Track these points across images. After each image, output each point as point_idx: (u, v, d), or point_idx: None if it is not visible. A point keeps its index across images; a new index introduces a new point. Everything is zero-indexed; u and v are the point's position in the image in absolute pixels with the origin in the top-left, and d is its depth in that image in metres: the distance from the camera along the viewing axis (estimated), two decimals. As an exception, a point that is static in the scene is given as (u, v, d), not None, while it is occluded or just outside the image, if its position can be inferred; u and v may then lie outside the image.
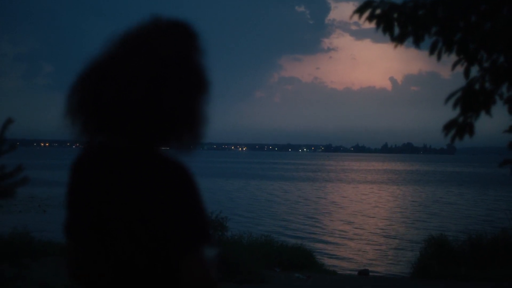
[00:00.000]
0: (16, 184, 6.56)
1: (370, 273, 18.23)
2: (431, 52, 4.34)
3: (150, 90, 1.79)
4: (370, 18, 4.42)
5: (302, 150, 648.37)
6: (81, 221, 1.89)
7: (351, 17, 4.48)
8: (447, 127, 4.42)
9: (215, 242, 1.91)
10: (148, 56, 1.83)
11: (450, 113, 4.48)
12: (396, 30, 4.43)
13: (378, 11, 4.41)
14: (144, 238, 1.77)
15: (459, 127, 4.41)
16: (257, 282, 12.82)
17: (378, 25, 4.42)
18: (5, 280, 6.21)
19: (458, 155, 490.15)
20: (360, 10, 4.44)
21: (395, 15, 4.38)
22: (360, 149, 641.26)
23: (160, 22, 1.94)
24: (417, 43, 4.38)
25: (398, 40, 4.43)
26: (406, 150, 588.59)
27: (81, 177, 1.92)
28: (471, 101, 4.33)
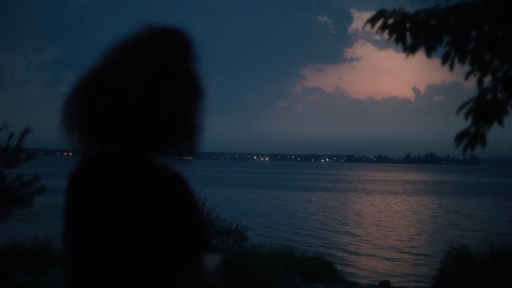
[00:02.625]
0: (33, 193, 6.65)
1: (391, 284, 18.11)
2: (444, 62, 4.30)
3: (144, 99, 1.78)
4: (382, 28, 4.40)
5: (325, 160, 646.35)
6: (78, 230, 1.90)
7: (363, 26, 4.47)
8: (459, 137, 4.38)
9: (214, 251, 1.92)
10: (141, 65, 1.82)
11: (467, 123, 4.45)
12: (409, 40, 4.41)
13: (390, 21, 4.39)
14: (140, 247, 1.77)
15: (471, 138, 4.36)
16: (277, 292, 12.78)
17: (390, 35, 4.40)
18: (22, 287, 6.27)
19: (482, 166, 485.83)
20: (372, 20, 4.42)
21: (408, 25, 4.36)
22: (383, 159, 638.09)
23: (153, 30, 1.93)
24: (429, 53, 4.36)
25: (410, 50, 4.40)
26: (429, 160, 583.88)
27: (78, 186, 1.91)
28: (483, 111, 4.29)
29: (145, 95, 1.79)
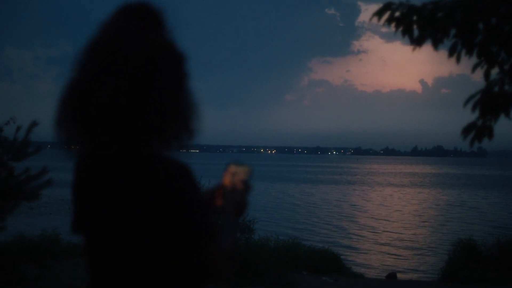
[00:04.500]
0: (41, 186, 6.65)
1: (398, 277, 18.11)
2: (450, 54, 4.29)
3: (132, 94, 1.73)
4: (389, 21, 4.39)
5: (332, 152, 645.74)
6: (85, 224, 1.89)
7: (370, 19, 4.45)
8: (466, 130, 4.36)
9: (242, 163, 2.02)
10: (119, 59, 1.75)
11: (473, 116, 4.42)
12: (415, 33, 4.39)
13: (397, 14, 4.38)
14: (150, 240, 1.75)
15: (478, 130, 4.34)
16: (284, 285, 12.77)
17: (397, 27, 4.39)
18: (28, 281, 6.27)
19: (489, 158, 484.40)
20: (379, 13, 4.40)
21: (414, 18, 4.34)
22: (390, 152, 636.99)
23: (119, 18, 1.85)
24: (435, 46, 4.34)
25: (417, 42, 4.39)
26: (436, 153, 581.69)
27: (83, 181, 1.89)
28: (490, 104, 4.26)
29: (131, 89, 1.73)
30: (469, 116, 4.35)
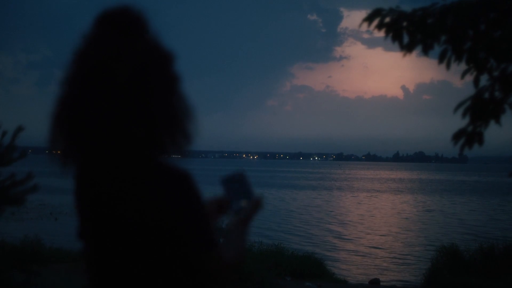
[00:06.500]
0: (26, 192, 6.62)
1: (381, 283, 18.14)
2: (440, 61, 4.31)
3: (122, 104, 1.71)
4: (379, 27, 4.40)
5: (314, 158, 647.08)
6: (88, 232, 1.87)
7: (360, 25, 4.46)
8: (456, 136, 4.38)
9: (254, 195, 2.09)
10: (105, 71, 1.72)
11: (462, 122, 4.44)
12: (405, 39, 4.40)
13: (387, 20, 4.39)
14: (150, 249, 1.74)
15: (468, 136, 4.37)
16: (268, 291, 12.73)
17: (387, 33, 4.40)
18: (14, 286, 6.23)
19: (470, 164, 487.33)
20: (369, 19, 4.41)
21: (404, 24, 4.36)
22: (371, 158, 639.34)
23: (100, 27, 1.81)
24: (426, 52, 4.35)
25: (407, 48, 4.40)
26: (417, 159, 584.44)
27: (83, 189, 1.86)
28: (480, 110, 4.29)
29: (122, 99, 1.71)
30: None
